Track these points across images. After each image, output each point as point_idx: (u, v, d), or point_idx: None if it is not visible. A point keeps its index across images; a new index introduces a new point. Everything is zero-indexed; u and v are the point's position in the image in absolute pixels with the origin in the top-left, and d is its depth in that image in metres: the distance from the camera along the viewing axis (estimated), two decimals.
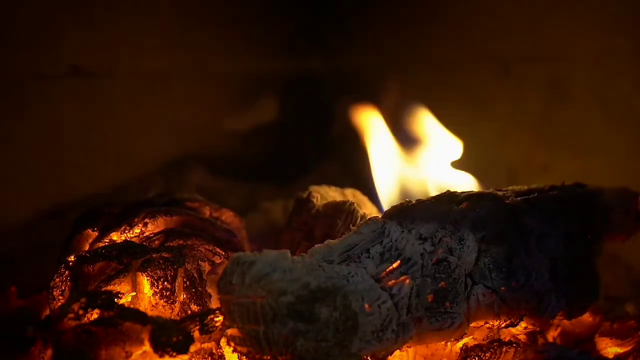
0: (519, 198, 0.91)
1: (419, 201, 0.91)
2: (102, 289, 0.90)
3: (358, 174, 1.69)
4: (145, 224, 1.01)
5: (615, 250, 1.24)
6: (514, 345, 0.91)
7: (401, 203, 0.91)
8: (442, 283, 0.83)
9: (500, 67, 1.48)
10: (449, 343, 0.91)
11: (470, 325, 0.87)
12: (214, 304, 0.92)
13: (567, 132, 1.40)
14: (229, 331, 0.78)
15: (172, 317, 0.91)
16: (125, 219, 1.02)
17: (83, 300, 0.80)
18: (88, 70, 1.45)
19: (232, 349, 0.78)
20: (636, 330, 0.99)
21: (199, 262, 0.97)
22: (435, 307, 0.83)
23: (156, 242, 1.00)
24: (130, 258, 0.93)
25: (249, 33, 1.70)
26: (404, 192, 1.12)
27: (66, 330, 0.78)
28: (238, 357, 0.83)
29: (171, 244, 0.98)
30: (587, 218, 0.91)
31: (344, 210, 1.02)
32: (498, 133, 1.51)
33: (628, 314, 1.07)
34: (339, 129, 1.86)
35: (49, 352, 0.84)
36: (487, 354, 0.90)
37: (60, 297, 0.93)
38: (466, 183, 1.10)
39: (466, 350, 0.91)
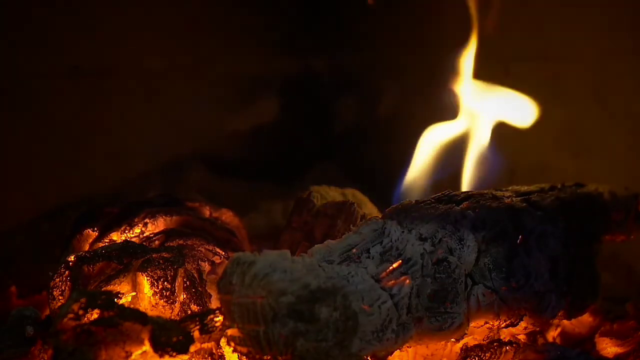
0: (519, 198, 0.91)
1: (419, 201, 0.91)
2: (102, 289, 0.90)
3: (358, 174, 1.70)
4: (145, 224, 1.01)
5: (615, 250, 1.24)
6: (514, 345, 0.91)
7: (401, 203, 0.91)
8: (442, 283, 0.83)
9: (500, 67, 1.47)
10: (449, 343, 0.91)
11: (470, 325, 0.87)
12: (214, 304, 0.92)
13: (567, 132, 1.39)
14: (229, 331, 0.78)
15: (172, 317, 0.91)
16: (125, 219, 1.02)
17: (83, 300, 0.80)
18: (88, 70, 1.45)
19: (232, 349, 0.78)
20: (636, 330, 0.99)
21: (199, 262, 0.97)
22: (435, 307, 0.83)
23: (156, 242, 1.00)
24: (130, 258, 0.93)
25: (249, 33, 1.70)
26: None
27: (66, 330, 0.78)
28: (238, 357, 0.83)
29: (171, 244, 0.98)
30: (587, 218, 0.91)
31: (344, 210, 1.02)
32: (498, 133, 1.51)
33: (628, 314, 1.07)
34: (339, 128, 1.86)
35: (49, 352, 0.84)
36: (487, 354, 0.90)
37: (60, 297, 0.93)
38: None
39: (466, 350, 0.91)
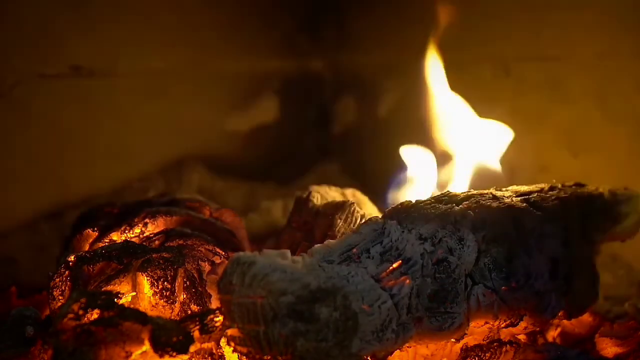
0: (519, 198, 0.91)
1: (419, 201, 0.91)
2: (102, 289, 0.90)
3: (358, 174, 1.70)
4: (145, 224, 1.01)
5: (615, 250, 1.24)
6: (514, 345, 0.91)
7: (401, 203, 0.91)
8: (442, 283, 0.83)
9: (500, 67, 1.47)
10: (449, 343, 0.91)
11: (470, 325, 0.87)
12: (214, 304, 0.92)
13: (567, 131, 1.39)
14: (229, 331, 0.78)
15: (172, 317, 0.91)
16: (125, 219, 1.02)
17: (83, 300, 0.80)
18: (88, 70, 1.45)
19: (232, 349, 0.78)
20: (636, 330, 0.99)
21: (199, 262, 0.97)
22: (435, 307, 0.83)
23: (156, 242, 1.00)
24: (130, 258, 0.93)
25: (249, 33, 1.70)
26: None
27: (66, 330, 0.78)
28: (238, 357, 0.83)
29: (171, 244, 0.98)
30: (587, 218, 0.91)
31: (344, 210, 1.02)
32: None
33: (628, 314, 1.07)
34: (339, 128, 1.86)
35: (49, 352, 0.84)
36: (487, 354, 0.90)
37: (60, 297, 0.93)
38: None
39: (466, 350, 0.91)
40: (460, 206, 0.89)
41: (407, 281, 0.81)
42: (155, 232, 1.01)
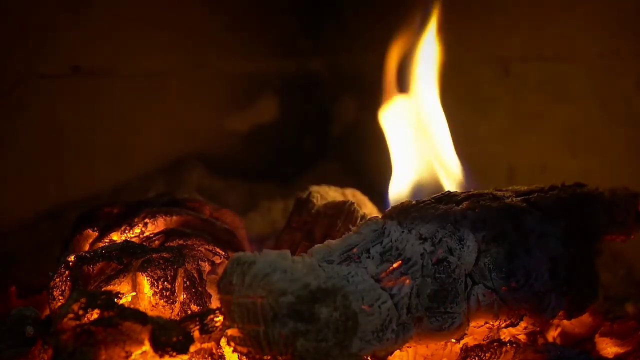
0: (519, 198, 0.91)
1: (419, 201, 0.91)
2: (102, 289, 0.90)
3: (358, 174, 1.70)
4: (145, 224, 1.01)
5: (615, 250, 1.24)
6: (514, 345, 0.91)
7: (401, 203, 0.91)
8: (442, 283, 0.83)
9: (500, 67, 1.47)
10: (449, 343, 0.91)
11: (470, 325, 0.87)
12: (214, 304, 0.92)
13: (567, 132, 1.39)
14: (229, 331, 0.78)
15: (172, 317, 0.91)
16: (125, 219, 1.02)
17: (83, 300, 0.80)
18: (88, 70, 1.45)
19: (232, 349, 0.78)
20: (636, 330, 0.99)
21: (199, 262, 0.97)
22: (435, 307, 0.83)
23: (156, 242, 1.00)
24: (130, 258, 0.93)
25: (249, 33, 1.70)
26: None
27: (66, 330, 0.78)
28: (238, 357, 0.83)
29: (171, 244, 0.98)
30: (587, 218, 0.91)
31: (344, 210, 1.02)
32: (498, 133, 1.51)
33: (628, 314, 1.07)
34: (339, 128, 1.86)
35: (49, 352, 0.84)
36: (487, 354, 0.90)
37: (60, 297, 0.93)
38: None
39: (466, 350, 0.91)
40: (460, 206, 0.89)
41: (407, 281, 0.81)
42: (155, 232, 1.01)
